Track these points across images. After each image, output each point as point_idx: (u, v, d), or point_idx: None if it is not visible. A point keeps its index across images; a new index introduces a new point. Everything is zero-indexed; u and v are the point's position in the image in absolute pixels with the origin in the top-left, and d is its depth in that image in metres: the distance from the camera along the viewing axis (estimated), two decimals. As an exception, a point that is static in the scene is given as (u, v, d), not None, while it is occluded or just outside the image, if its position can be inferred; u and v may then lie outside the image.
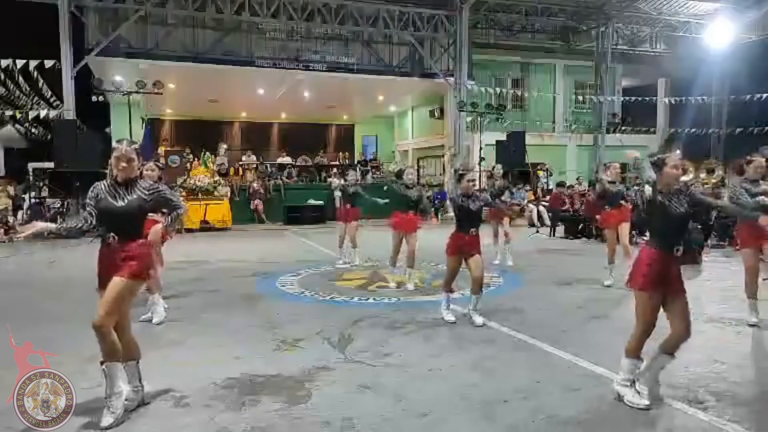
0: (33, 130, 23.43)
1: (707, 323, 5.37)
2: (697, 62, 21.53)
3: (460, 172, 5.75)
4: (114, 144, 3.59)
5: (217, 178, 16.98)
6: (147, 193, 3.50)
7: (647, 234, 3.87)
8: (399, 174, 8.32)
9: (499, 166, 9.94)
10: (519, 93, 21.84)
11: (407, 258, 7.29)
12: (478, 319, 5.45)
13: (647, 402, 3.44)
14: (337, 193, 9.93)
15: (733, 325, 5.35)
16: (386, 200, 8.35)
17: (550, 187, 18.84)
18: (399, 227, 7.37)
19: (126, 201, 3.43)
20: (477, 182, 5.77)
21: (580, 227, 13.45)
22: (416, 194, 7.34)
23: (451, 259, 5.56)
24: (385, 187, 7.90)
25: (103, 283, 3.41)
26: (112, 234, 3.41)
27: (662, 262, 3.47)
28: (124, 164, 3.44)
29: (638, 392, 3.51)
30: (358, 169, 20.62)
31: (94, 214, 3.43)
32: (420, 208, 7.45)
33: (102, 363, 3.34)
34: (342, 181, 10.15)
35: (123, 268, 3.36)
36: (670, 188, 3.49)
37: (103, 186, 3.48)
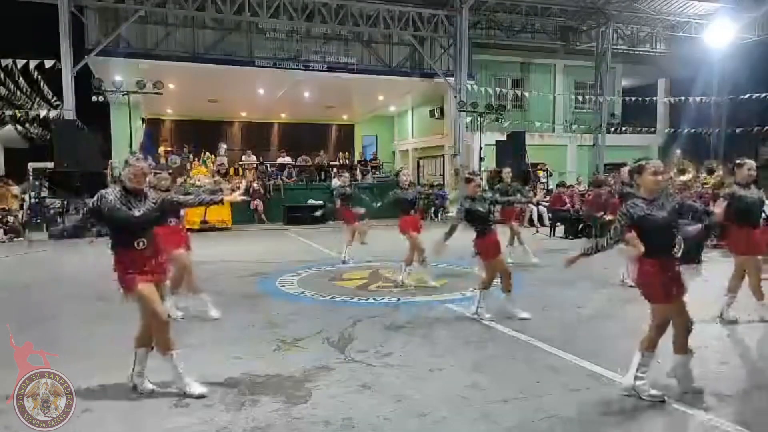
0: (33, 130, 23.40)
1: (707, 324, 5.36)
2: (697, 62, 21.51)
3: (468, 176, 5.85)
4: (131, 159, 3.78)
5: (217, 178, 16.97)
6: (154, 204, 3.76)
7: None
8: (397, 174, 8.38)
9: (508, 169, 10.09)
10: (519, 93, 21.84)
11: (418, 257, 7.34)
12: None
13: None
14: (335, 186, 9.93)
15: (733, 325, 5.34)
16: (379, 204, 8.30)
17: (550, 187, 18.82)
18: (406, 228, 7.43)
19: (142, 211, 3.66)
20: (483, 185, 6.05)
21: (580, 227, 13.44)
22: (412, 195, 7.47)
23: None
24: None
25: (128, 287, 3.61)
26: (140, 240, 3.63)
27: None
28: (140, 179, 3.71)
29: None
30: (358, 170, 20.63)
31: (94, 223, 3.85)
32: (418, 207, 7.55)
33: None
34: (339, 183, 10.18)
35: (154, 275, 3.69)
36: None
37: (111, 197, 3.62)
